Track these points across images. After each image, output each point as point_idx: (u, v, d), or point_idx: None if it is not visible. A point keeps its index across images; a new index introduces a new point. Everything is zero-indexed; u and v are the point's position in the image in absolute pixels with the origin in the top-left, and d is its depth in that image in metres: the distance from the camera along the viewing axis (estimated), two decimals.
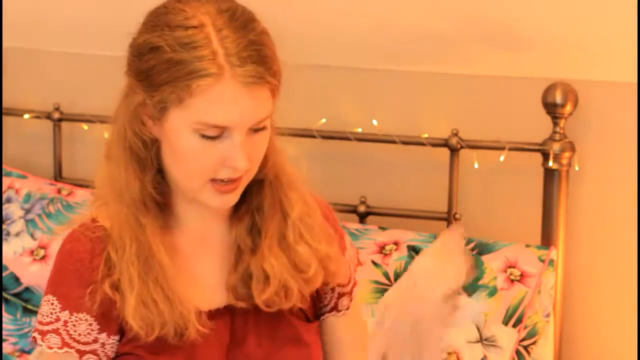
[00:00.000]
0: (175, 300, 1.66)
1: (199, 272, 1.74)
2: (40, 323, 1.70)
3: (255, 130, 1.63)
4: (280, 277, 1.71)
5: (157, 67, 1.59)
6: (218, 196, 1.65)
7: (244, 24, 1.61)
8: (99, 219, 1.73)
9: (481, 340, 2.34)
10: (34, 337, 1.70)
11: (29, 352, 2.63)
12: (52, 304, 1.69)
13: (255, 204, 1.74)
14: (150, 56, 1.60)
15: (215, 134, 1.60)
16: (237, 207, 1.74)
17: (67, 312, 1.68)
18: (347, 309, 1.85)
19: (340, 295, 1.83)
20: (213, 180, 1.63)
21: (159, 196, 1.69)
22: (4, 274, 2.73)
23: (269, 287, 1.70)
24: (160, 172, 1.69)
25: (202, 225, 1.74)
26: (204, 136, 1.60)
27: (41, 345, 1.69)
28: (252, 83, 1.58)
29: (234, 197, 1.67)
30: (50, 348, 1.68)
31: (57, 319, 1.69)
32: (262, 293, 1.71)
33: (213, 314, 1.72)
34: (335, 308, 1.84)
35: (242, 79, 1.57)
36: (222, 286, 1.74)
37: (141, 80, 1.62)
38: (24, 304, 2.70)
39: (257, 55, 1.59)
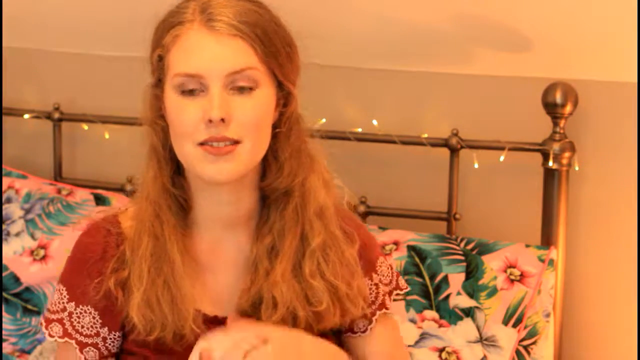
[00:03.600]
0: (177, 299, 1.67)
1: (210, 279, 1.74)
2: (49, 311, 1.73)
3: (240, 88, 1.63)
4: (289, 304, 1.70)
5: (154, 33, 1.68)
6: (209, 163, 1.63)
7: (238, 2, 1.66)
8: (121, 219, 1.75)
9: (481, 340, 2.34)
10: (41, 323, 1.74)
11: (29, 352, 2.62)
12: (61, 293, 1.72)
13: (277, 226, 1.72)
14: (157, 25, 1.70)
15: (192, 85, 1.62)
16: (259, 225, 1.74)
17: (73, 303, 1.71)
18: (364, 331, 1.81)
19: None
20: (201, 144, 1.63)
21: (178, 191, 1.71)
22: (4, 274, 2.72)
23: (277, 313, 1.69)
24: (179, 170, 1.71)
25: (219, 232, 1.74)
26: (183, 92, 1.63)
27: (44, 332, 1.72)
28: (219, 30, 1.61)
29: (227, 167, 1.64)
30: (52, 337, 1.71)
31: (63, 309, 1.72)
32: (270, 319, 1.70)
33: (220, 320, 1.71)
34: (350, 330, 1.81)
35: (210, 24, 1.62)
36: (231, 300, 1.73)
37: (150, 56, 1.70)
38: (24, 304, 2.70)
39: (236, 12, 1.63)
